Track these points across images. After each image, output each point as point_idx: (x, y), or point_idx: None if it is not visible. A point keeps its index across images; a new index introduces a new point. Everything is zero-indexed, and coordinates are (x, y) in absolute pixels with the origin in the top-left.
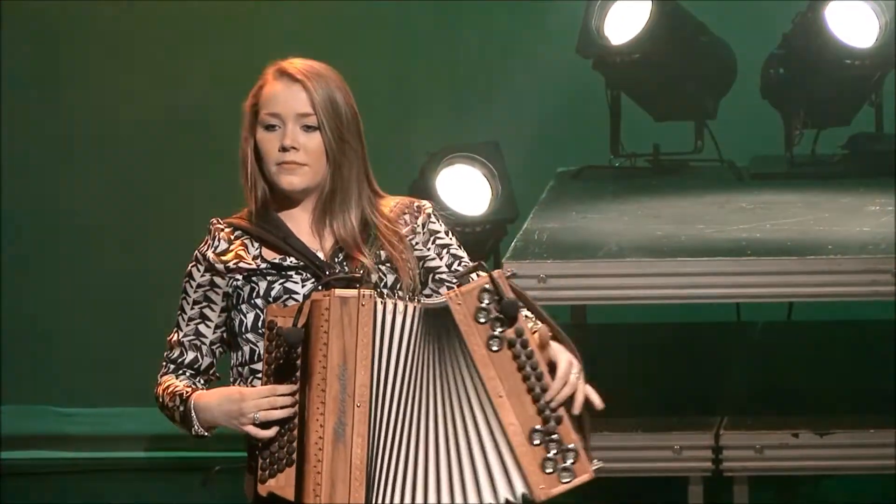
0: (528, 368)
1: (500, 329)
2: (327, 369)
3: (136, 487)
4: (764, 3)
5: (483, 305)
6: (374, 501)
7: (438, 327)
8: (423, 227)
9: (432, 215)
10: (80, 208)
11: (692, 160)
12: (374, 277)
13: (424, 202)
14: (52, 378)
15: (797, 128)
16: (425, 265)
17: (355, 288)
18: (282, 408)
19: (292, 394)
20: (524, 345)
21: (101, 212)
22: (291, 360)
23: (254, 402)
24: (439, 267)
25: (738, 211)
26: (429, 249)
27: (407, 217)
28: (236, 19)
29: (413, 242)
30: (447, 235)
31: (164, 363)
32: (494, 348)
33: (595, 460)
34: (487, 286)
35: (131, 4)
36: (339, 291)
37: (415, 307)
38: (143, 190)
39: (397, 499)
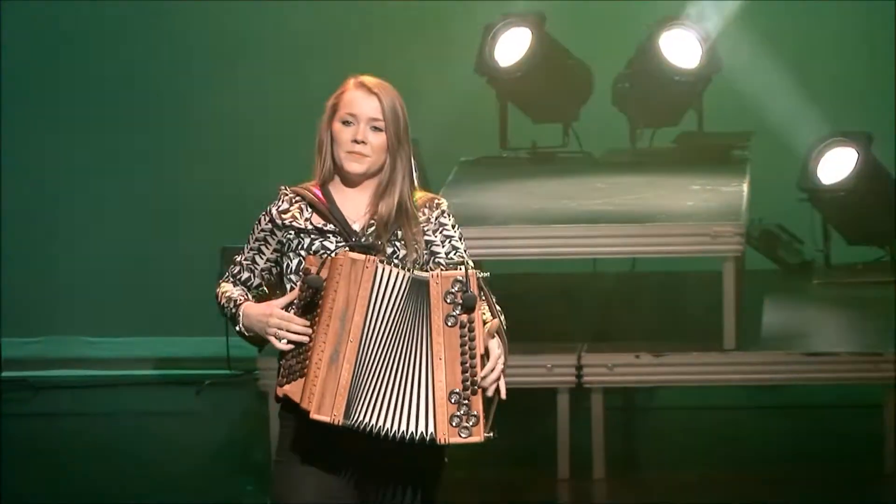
0: (466, 347)
1: (457, 311)
2: (333, 310)
3: (146, 397)
4: (613, 32)
5: (452, 290)
6: (351, 413)
7: (419, 294)
8: (436, 220)
9: (445, 212)
10: (92, 162)
11: (560, 152)
12: (390, 249)
13: (442, 200)
14: (81, 313)
15: (639, 127)
16: (431, 248)
17: (369, 254)
18: (293, 333)
19: (305, 325)
20: (471, 329)
21: (115, 167)
22: (313, 300)
23: (276, 321)
24: (439, 252)
25: (594, 190)
26: (435, 236)
27: (426, 210)
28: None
29: (425, 229)
30: (453, 229)
31: (227, 275)
32: (449, 323)
33: (492, 432)
34: (461, 278)
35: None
36: (352, 254)
37: (406, 275)
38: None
39: (363, 413)
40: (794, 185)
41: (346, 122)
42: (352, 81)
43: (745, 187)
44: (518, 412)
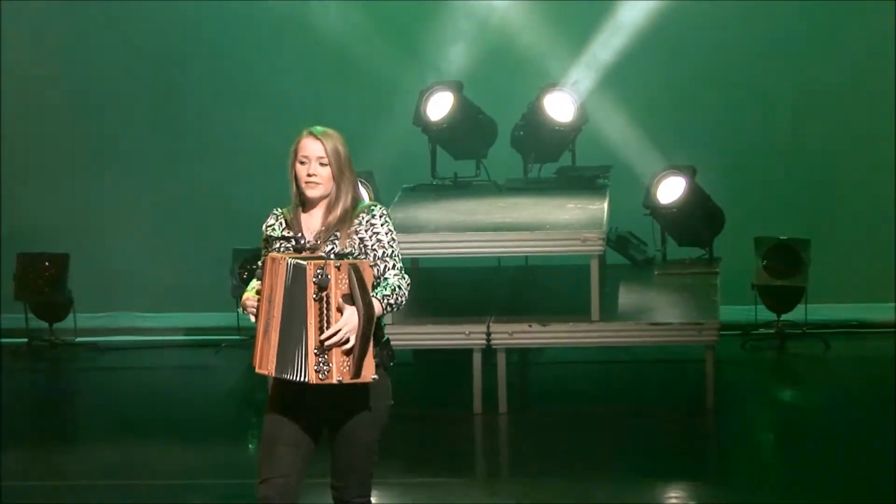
0: (323, 315)
1: (318, 290)
2: (264, 295)
3: (178, 355)
4: (510, 95)
5: (317, 274)
6: (281, 368)
7: (302, 277)
8: (367, 221)
9: (376, 214)
10: (139, 180)
11: (474, 181)
12: (329, 246)
13: (376, 206)
14: (134, 296)
15: (530, 163)
16: (363, 242)
17: (309, 253)
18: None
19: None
20: (327, 302)
21: (159, 187)
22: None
23: (249, 303)
24: (367, 244)
25: (499, 207)
26: (366, 233)
27: (363, 214)
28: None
29: (358, 228)
30: (381, 226)
31: (256, 276)
32: (314, 298)
33: (373, 375)
34: (322, 265)
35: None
36: (273, 254)
37: (294, 263)
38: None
39: (285, 367)
40: (640, 203)
41: (302, 162)
42: (304, 132)
43: (606, 205)
44: (445, 367)
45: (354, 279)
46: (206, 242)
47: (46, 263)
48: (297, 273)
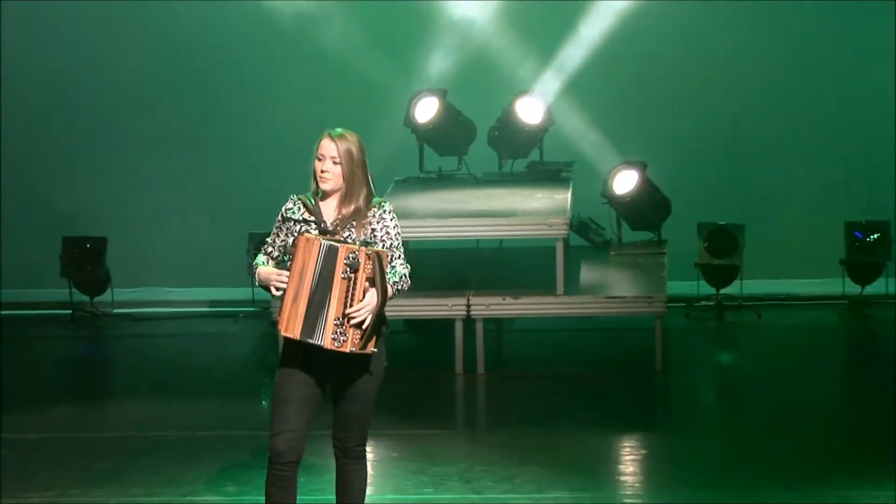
0: (348, 293)
1: (348, 270)
2: (296, 269)
3: (202, 324)
4: (487, 100)
5: (348, 257)
6: (305, 332)
7: (333, 257)
8: (379, 215)
9: (386, 210)
10: (167, 173)
11: (456, 174)
12: (346, 233)
13: (386, 203)
14: (163, 273)
15: (504, 159)
16: (374, 232)
17: (330, 236)
18: (283, 283)
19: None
20: (354, 282)
21: (181, 180)
22: (292, 264)
23: (275, 278)
24: (378, 234)
25: (477, 197)
26: (378, 225)
27: (375, 209)
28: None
29: (372, 220)
30: (390, 221)
31: (262, 250)
32: (343, 277)
33: (372, 349)
34: (354, 250)
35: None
36: (307, 235)
37: (331, 245)
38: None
39: (309, 332)
40: (598, 193)
41: (319, 159)
42: (325, 132)
43: (569, 195)
44: (430, 334)
45: (378, 266)
46: (225, 226)
47: (88, 245)
48: (330, 253)
